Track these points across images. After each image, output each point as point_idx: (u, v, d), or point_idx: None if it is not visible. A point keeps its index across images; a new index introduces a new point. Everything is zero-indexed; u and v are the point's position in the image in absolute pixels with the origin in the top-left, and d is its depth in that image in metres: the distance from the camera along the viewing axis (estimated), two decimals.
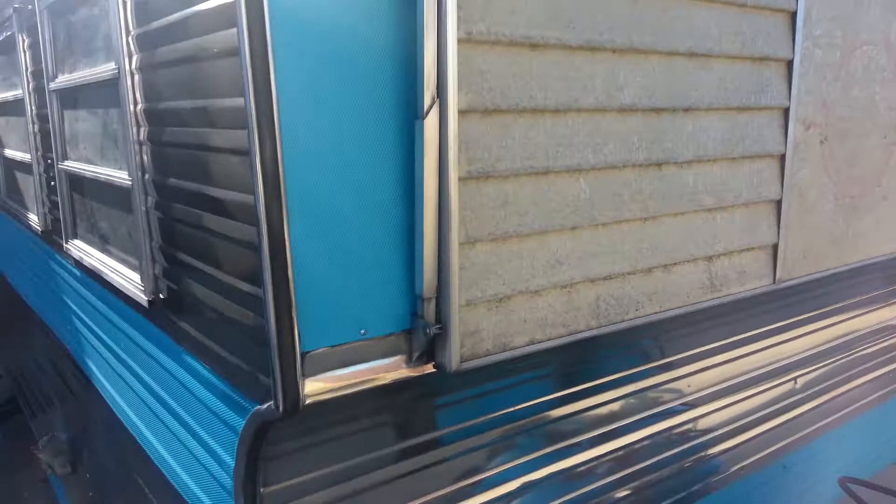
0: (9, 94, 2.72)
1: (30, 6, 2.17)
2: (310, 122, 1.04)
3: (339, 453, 1.38)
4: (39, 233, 2.54)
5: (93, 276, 1.97)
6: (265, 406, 1.16)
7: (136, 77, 1.40)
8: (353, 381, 1.21)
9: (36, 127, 2.37)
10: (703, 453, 2.07)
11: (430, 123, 1.08)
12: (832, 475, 2.35)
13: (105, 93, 1.64)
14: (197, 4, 1.19)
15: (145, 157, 1.45)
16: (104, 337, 1.96)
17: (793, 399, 2.40)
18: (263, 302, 1.07)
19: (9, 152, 2.98)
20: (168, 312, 1.51)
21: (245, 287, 1.16)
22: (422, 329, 1.22)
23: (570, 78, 1.23)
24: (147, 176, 1.46)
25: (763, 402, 2.26)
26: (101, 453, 2.40)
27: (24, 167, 2.69)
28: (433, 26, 1.07)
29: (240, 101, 1.02)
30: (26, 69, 2.32)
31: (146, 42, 1.40)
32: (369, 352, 1.22)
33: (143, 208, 1.48)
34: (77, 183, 2.06)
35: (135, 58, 1.41)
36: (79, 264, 2.10)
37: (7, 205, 3.18)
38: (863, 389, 2.56)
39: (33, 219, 2.63)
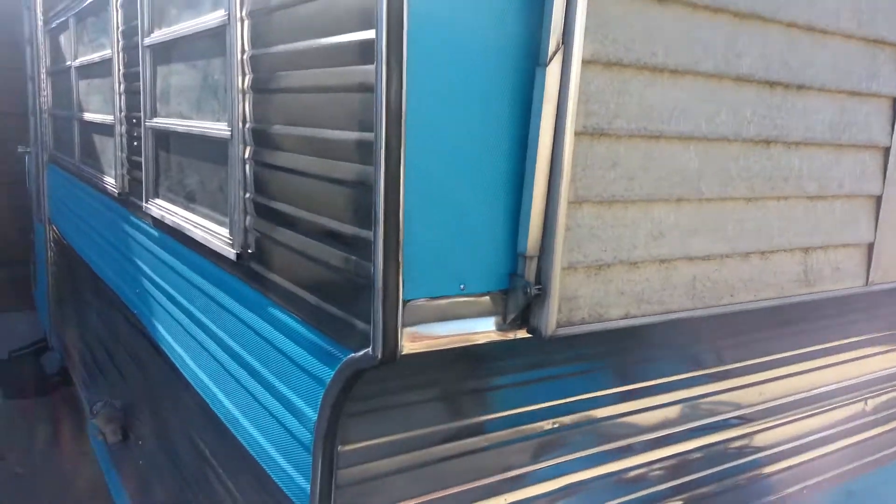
0: (94, 56, 2.78)
1: None
2: (433, 61, 1.02)
3: (422, 418, 1.36)
4: (116, 196, 2.58)
5: (173, 235, 1.99)
6: (361, 353, 1.14)
7: (246, 23, 1.41)
8: (447, 336, 1.19)
9: (122, 87, 2.41)
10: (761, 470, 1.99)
11: (553, 72, 1.06)
12: None
13: (206, 44, 1.65)
14: None
15: (247, 107, 1.45)
16: (179, 296, 1.98)
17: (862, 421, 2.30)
18: (372, 244, 1.05)
19: (88, 115, 3.05)
20: (256, 265, 1.51)
21: (351, 231, 1.15)
22: (521, 289, 1.19)
23: (693, 38, 1.20)
24: (248, 125, 1.46)
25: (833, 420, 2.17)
26: (155, 421, 2.42)
27: (105, 129, 2.74)
28: None
29: (365, 34, 1.01)
30: (117, 28, 2.36)
31: None
32: (466, 309, 1.19)
33: (241, 158, 1.48)
34: (163, 141, 2.08)
35: (246, 3, 1.41)
36: (158, 224, 2.12)
37: (81, 170, 3.25)
38: None
39: (110, 182, 2.68)
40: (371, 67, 1.00)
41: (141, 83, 2.11)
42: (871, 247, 1.74)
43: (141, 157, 2.24)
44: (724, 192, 1.36)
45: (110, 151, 2.66)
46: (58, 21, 3.60)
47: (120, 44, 2.41)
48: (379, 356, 1.10)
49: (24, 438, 4.67)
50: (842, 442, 2.28)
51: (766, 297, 1.54)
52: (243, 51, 1.43)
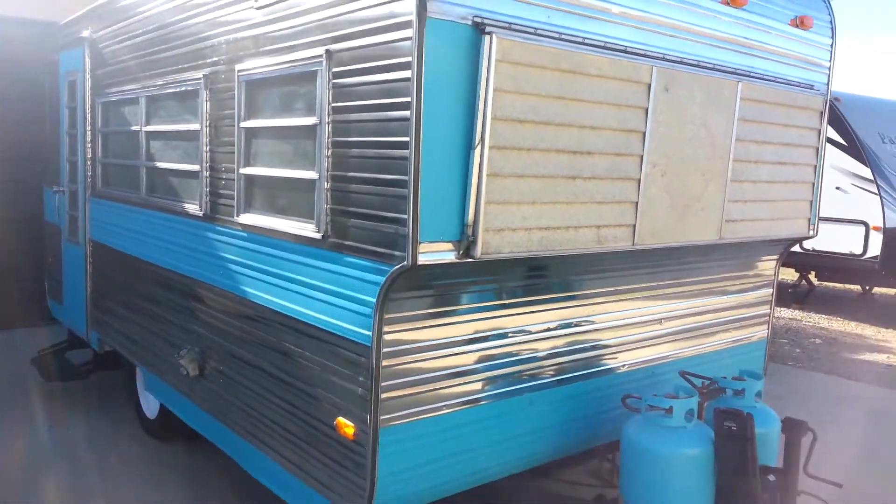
0: (173, 126, 4.25)
1: (222, 77, 3.74)
2: (435, 108, 2.59)
3: (423, 301, 2.94)
4: (200, 215, 4.04)
5: (262, 233, 3.49)
6: (399, 265, 2.70)
7: (328, 126, 2.98)
8: (435, 259, 2.76)
9: (208, 148, 3.90)
10: None
11: (477, 152, 2.68)
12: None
13: (296, 131, 3.20)
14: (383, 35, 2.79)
15: (327, 163, 3.01)
16: (266, 267, 3.47)
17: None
18: (408, 219, 2.62)
19: (163, 164, 4.49)
20: (332, 239, 3.05)
21: (392, 216, 2.71)
22: (465, 239, 2.79)
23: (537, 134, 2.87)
24: (328, 172, 3.02)
25: None
26: (225, 360, 3.88)
27: (185, 173, 4.20)
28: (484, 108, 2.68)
29: (402, 113, 2.61)
30: (204, 112, 3.87)
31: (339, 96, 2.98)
32: (443, 247, 2.76)
33: (323, 188, 3.04)
34: (250, 180, 3.60)
35: (328, 113, 2.98)
36: (247, 228, 3.62)
37: (148, 201, 4.67)
38: None
39: (191, 206, 4.14)
40: (407, 113, 2.58)
41: (236, 147, 3.63)
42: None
43: (221, 190, 3.75)
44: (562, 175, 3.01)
45: (192, 187, 4.13)
46: (119, 97, 5.02)
47: (207, 121, 3.92)
48: (408, 265, 2.67)
49: (69, 410, 5.93)
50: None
51: (577, 248, 3.19)
52: (328, 135, 3.00)
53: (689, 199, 3.59)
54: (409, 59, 2.58)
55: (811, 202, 4.30)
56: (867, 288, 12.51)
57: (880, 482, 5.07)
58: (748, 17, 3.73)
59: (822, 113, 4.20)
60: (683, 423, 3.35)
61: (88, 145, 5.60)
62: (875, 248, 10.31)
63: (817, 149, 4.23)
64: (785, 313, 11.41)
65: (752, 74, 3.75)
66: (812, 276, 12.26)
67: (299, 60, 3.14)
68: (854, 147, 10.58)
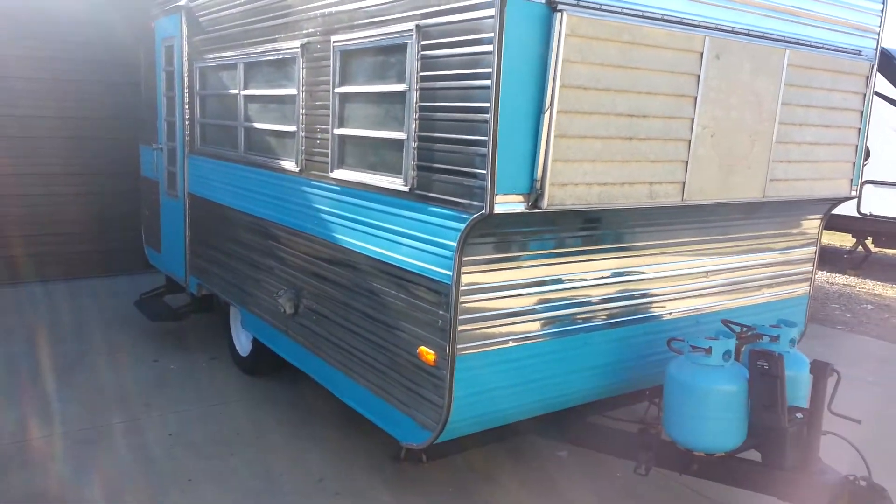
0: (282, 92, 4.77)
1: (318, 47, 4.24)
2: (512, 76, 3.04)
3: (497, 246, 3.42)
4: (295, 171, 4.59)
5: (353, 186, 4.01)
6: (478, 213, 3.18)
7: (416, 92, 3.44)
8: (509, 210, 3.22)
9: (303, 110, 4.42)
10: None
11: (547, 116, 3.12)
12: None
13: (388, 97, 3.68)
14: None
15: (415, 124, 3.48)
16: (359, 217, 4.00)
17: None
18: (487, 175, 3.09)
19: (260, 125, 5.05)
20: (419, 192, 3.54)
21: (473, 171, 3.18)
22: (534, 191, 3.24)
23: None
24: (415, 132, 3.49)
25: None
26: (317, 299, 4.44)
27: (282, 133, 4.74)
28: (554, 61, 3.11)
29: (484, 82, 3.05)
30: (301, 77, 4.38)
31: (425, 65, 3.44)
32: (515, 198, 3.21)
33: (411, 147, 3.52)
34: (343, 140, 4.11)
35: (419, 77, 3.44)
36: (339, 182, 4.14)
37: (247, 158, 5.24)
38: None
39: (287, 163, 4.69)
40: (488, 82, 3.03)
41: (330, 110, 4.13)
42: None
43: (316, 149, 4.27)
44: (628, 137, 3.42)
45: (288, 146, 4.67)
46: (217, 63, 5.58)
47: (303, 86, 4.43)
48: (487, 213, 3.14)
49: (169, 347, 6.67)
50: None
51: (631, 202, 3.60)
52: (416, 100, 3.47)
53: (736, 158, 3.94)
54: (491, 34, 3.01)
55: (853, 164, 4.59)
56: None
57: (891, 415, 5.42)
58: None
59: (868, 77, 4.46)
60: (721, 362, 3.75)
61: (186, 106, 6.21)
62: None
63: (862, 112, 4.50)
64: (839, 279, 11.49)
65: (799, 42, 4.05)
66: (869, 242, 12.25)
67: (391, 34, 3.60)
68: None
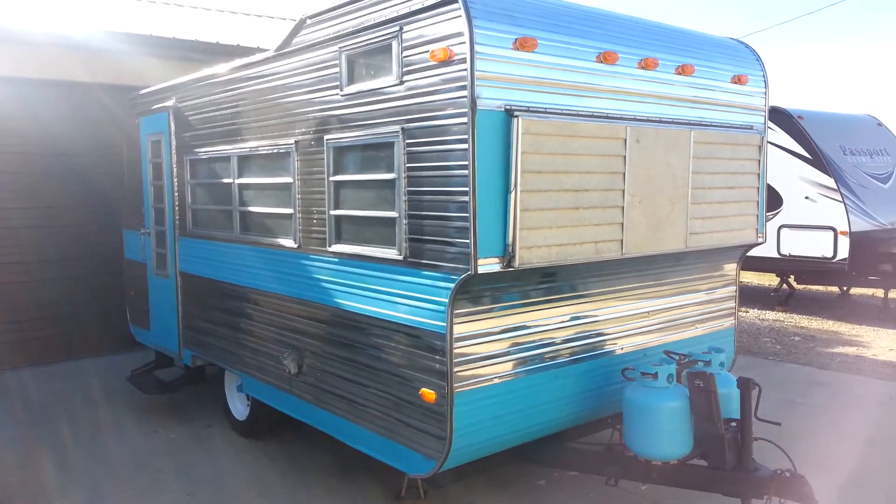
0: (277, 180, 5.51)
1: (312, 143, 5.03)
2: (484, 163, 3.88)
3: (483, 298, 4.20)
4: (293, 248, 5.30)
5: (350, 258, 4.75)
6: (465, 273, 3.95)
7: (404, 178, 4.25)
8: (488, 269, 4.01)
9: (299, 196, 5.17)
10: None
11: (513, 195, 3.96)
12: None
13: (379, 183, 4.47)
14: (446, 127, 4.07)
15: (405, 204, 4.27)
16: (356, 283, 4.72)
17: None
18: (471, 243, 3.88)
19: (255, 209, 5.76)
20: (411, 259, 4.30)
21: (460, 241, 3.97)
22: (507, 254, 4.04)
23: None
24: (405, 212, 4.28)
25: None
26: (319, 359, 5.11)
27: (277, 216, 5.47)
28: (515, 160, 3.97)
29: (464, 171, 3.88)
30: (295, 168, 5.15)
31: (411, 158, 4.25)
32: (492, 260, 4.00)
33: (402, 223, 4.30)
34: (339, 220, 4.87)
35: (404, 169, 4.25)
36: (337, 255, 4.88)
37: (243, 237, 5.93)
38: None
39: (285, 241, 5.40)
40: (465, 171, 3.85)
41: (326, 195, 4.90)
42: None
43: (313, 227, 5.02)
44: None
45: (285, 226, 5.39)
46: (209, 156, 6.31)
47: (298, 175, 5.19)
48: (472, 273, 3.92)
49: (165, 418, 7.12)
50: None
51: (582, 258, 4.45)
52: (405, 185, 4.27)
53: (661, 218, 4.87)
54: (466, 135, 3.86)
55: (757, 216, 5.60)
56: (844, 289, 13.61)
57: (814, 426, 6.37)
58: (697, 81, 5.05)
59: (759, 146, 5.51)
60: (666, 384, 4.57)
61: (176, 193, 6.87)
62: (843, 252, 11.57)
63: (758, 174, 5.53)
64: (770, 315, 12.59)
65: (702, 123, 5.07)
66: (792, 280, 13.49)
67: (380, 133, 4.42)
68: (818, 159, 11.89)
